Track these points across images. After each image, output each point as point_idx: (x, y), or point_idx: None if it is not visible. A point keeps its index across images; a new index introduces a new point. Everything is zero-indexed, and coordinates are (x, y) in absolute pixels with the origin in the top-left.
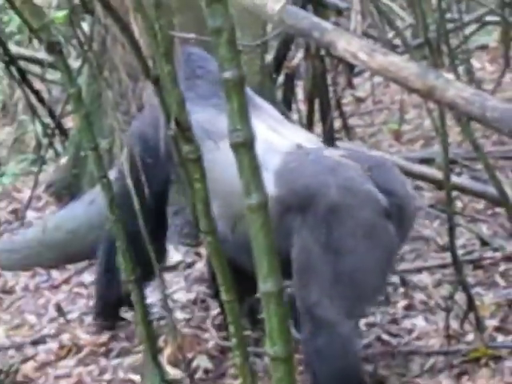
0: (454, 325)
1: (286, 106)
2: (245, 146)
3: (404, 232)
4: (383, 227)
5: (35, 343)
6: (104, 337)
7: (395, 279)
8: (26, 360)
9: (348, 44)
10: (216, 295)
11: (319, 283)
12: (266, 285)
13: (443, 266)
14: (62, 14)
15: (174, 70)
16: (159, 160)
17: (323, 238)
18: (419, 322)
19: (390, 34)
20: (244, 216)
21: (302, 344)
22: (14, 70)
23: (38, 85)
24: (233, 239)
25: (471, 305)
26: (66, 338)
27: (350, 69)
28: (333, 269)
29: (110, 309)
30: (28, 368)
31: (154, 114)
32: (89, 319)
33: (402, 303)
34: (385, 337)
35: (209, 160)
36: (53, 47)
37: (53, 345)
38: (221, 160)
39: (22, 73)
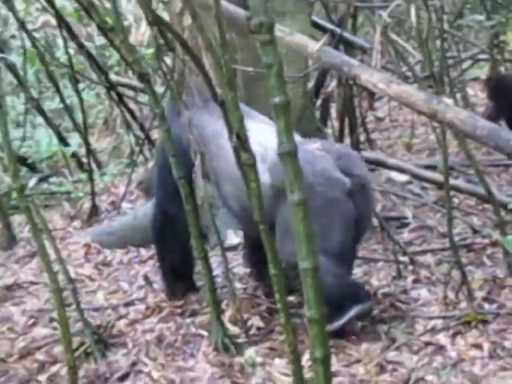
0: (451, 295)
1: (322, 122)
2: (290, 155)
3: (368, 200)
4: (346, 202)
5: (127, 305)
6: (180, 301)
7: (405, 259)
8: (119, 318)
9: (370, 76)
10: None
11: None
12: (304, 263)
13: (443, 249)
14: (150, 51)
15: (236, 95)
16: (187, 156)
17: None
18: (423, 292)
19: (403, 68)
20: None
21: None
22: (113, 93)
23: (131, 105)
24: (241, 213)
25: (464, 280)
26: (150, 301)
27: (372, 95)
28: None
29: (181, 280)
30: (121, 324)
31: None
32: None
33: (411, 278)
34: (397, 304)
35: (222, 154)
36: (143, 77)
37: (140, 306)
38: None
39: (120, 96)
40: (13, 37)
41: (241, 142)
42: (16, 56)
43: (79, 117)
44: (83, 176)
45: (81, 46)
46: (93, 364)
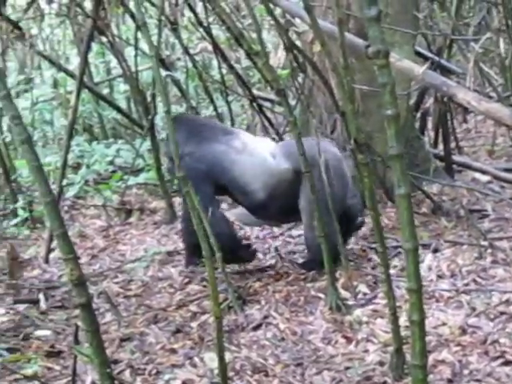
0: None
1: (420, 132)
2: (398, 157)
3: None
4: (345, 170)
5: (261, 270)
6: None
7: (485, 243)
8: (255, 281)
9: (465, 95)
10: None
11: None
12: (407, 244)
13: None
14: (285, 71)
15: (354, 108)
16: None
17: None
18: (500, 271)
19: (488, 89)
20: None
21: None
22: (255, 105)
23: (269, 114)
24: (269, 203)
25: None
26: (279, 268)
27: (465, 110)
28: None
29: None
30: (256, 285)
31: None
32: (293, 256)
33: (489, 259)
34: (477, 279)
35: (251, 160)
36: (280, 92)
37: (272, 272)
38: (255, 156)
39: (260, 107)
40: (178, 59)
41: (358, 146)
42: (180, 73)
43: (228, 123)
44: None
45: (231, 67)
46: (233, 315)
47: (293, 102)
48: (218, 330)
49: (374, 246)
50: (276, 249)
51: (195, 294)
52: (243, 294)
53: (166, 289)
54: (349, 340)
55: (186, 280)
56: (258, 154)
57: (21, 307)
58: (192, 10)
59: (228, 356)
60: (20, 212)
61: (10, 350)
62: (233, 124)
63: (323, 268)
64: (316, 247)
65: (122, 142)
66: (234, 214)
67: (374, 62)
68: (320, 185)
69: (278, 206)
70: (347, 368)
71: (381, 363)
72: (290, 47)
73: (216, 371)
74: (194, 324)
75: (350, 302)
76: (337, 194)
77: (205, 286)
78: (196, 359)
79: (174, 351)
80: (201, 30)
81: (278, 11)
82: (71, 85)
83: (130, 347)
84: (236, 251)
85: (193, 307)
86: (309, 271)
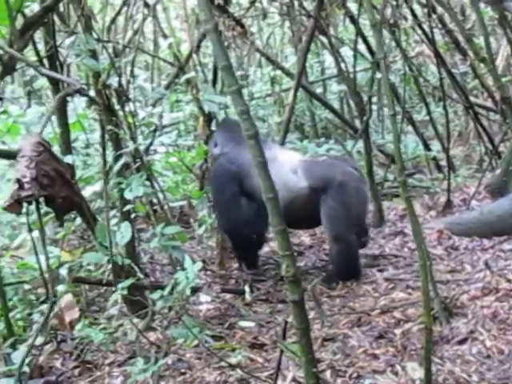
0: None
1: None
2: None
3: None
4: (362, 189)
5: (468, 283)
6: None
7: None
8: (462, 293)
9: None
10: None
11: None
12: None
13: None
14: (507, 78)
15: None
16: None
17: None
18: None
19: None
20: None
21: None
22: (470, 112)
23: (484, 122)
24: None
25: None
26: (489, 282)
27: None
28: (344, 213)
29: None
30: (463, 298)
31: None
32: (504, 271)
33: None
34: None
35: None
36: (504, 100)
37: (479, 285)
38: (278, 169)
39: (476, 114)
40: (393, 62)
41: None
42: (394, 76)
43: (439, 128)
44: (440, 175)
45: (449, 72)
46: (438, 327)
47: None
48: (426, 341)
49: None
50: (486, 262)
51: (400, 301)
52: (450, 305)
53: (370, 292)
54: None
55: (391, 285)
56: (281, 167)
57: (227, 296)
58: (413, 12)
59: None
60: None
61: (215, 338)
62: (448, 130)
63: (344, 282)
64: (338, 263)
65: (333, 142)
66: (443, 222)
67: None
68: (337, 204)
69: (294, 218)
70: None
71: None
72: None
73: (418, 382)
74: (397, 331)
75: None
76: (354, 211)
77: (410, 294)
78: (398, 367)
79: (375, 356)
80: (420, 32)
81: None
82: (287, 83)
83: (333, 348)
84: (242, 253)
85: (397, 314)
86: (329, 285)
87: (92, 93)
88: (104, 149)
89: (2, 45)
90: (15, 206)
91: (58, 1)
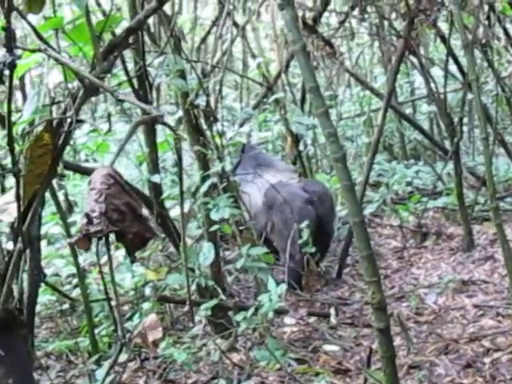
0: None
1: None
2: None
3: (325, 205)
4: (306, 208)
5: None
6: None
7: None
8: None
9: None
10: None
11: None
12: None
13: None
14: None
15: None
16: None
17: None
18: None
19: None
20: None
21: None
22: None
23: None
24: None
25: None
26: None
27: None
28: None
29: None
30: None
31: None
32: None
33: None
34: None
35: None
36: None
37: None
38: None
39: None
40: (484, 82)
41: None
42: (486, 97)
43: None
44: None
45: None
46: None
47: None
48: None
49: None
50: None
51: (489, 329)
52: None
53: (458, 319)
54: None
55: (480, 312)
56: (256, 187)
57: (312, 319)
58: (506, 32)
59: None
60: None
61: (299, 361)
62: None
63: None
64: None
65: (422, 164)
66: None
67: None
68: (279, 219)
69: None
70: None
71: None
72: None
73: None
74: (486, 360)
75: None
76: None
77: (500, 321)
78: None
79: None
80: None
81: None
82: (376, 103)
83: (419, 376)
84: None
85: (486, 342)
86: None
87: (180, 112)
88: (181, 170)
89: (78, 69)
90: (84, 241)
91: (142, 23)
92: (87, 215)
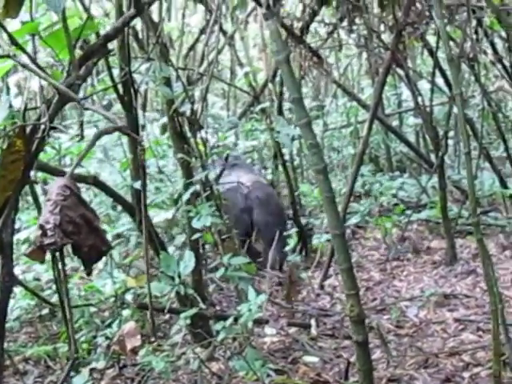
0: None
1: None
2: None
3: (264, 210)
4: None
5: None
6: None
7: None
8: None
9: None
10: None
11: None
12: None
13: None
14: None
15: None
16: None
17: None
18: None
19: None
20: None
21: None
22: None
23: None
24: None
25: None
26: None
27: None
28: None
29: None
30: None
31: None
32: None
33: None
34: None
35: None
36: None
37: None
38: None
39: None
40: (471, 96)
41: None
42: (472, 111)
43: None
44: None
45: None
46: (509, 373)
47: None
48: None
49: None
50: None
51: (470, 343)
52: None
53: (438, 333)
54: None
55: (461, 327)
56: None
57: (292, 330)
58: (493, 47)
59: None
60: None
61: (278, 372)
62: None
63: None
64: None
65: (407, 176)
66: None
67: None
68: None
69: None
70: None
71: None
72: None
73: None
74: (465, 375)
75: None
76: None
77: (480, 336)
78: None
79: None
80: (499, 67)
81: None
82: (362, 115)
83: None
84: None
85: (466, 357)
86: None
87: (165, 119)
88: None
89: (46, 76)
90: (38, 253)
91: (120, 30)
92: (41, 227)
